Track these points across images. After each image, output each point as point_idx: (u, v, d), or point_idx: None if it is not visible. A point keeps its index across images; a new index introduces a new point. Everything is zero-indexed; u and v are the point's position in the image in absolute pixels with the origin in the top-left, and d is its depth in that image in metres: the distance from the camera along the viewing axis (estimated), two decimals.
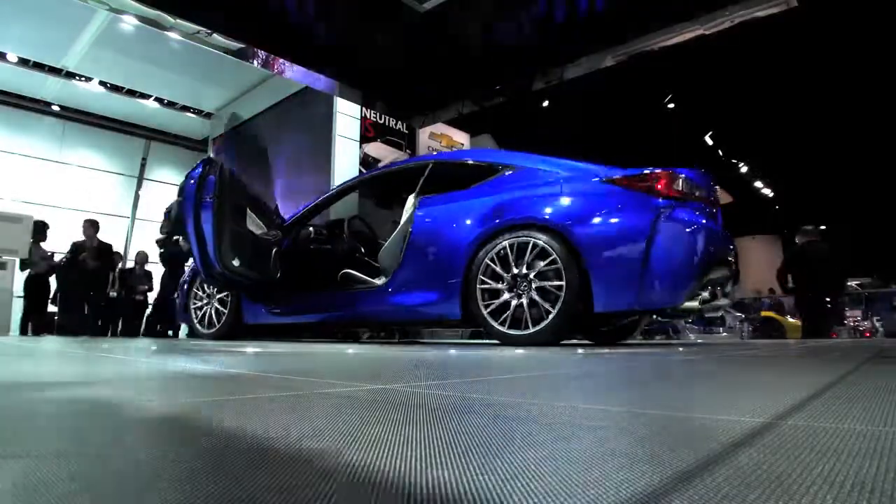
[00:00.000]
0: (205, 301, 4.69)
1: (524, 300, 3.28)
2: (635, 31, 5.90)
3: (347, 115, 8.54)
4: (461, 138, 10.60)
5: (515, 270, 3.32)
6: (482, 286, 3.40)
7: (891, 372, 1.70)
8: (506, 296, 3.33)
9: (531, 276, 3.27)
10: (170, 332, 8.27)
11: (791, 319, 13.18)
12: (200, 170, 3.73)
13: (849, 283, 11.22)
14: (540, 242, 3.28)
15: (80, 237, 7.71)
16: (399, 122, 9.22)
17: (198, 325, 4.72)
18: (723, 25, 5.51)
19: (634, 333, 4.44)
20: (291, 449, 0.57)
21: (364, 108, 8.60)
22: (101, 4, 5.59)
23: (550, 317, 3.18)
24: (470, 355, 2.46)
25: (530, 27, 6.81)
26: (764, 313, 12.99)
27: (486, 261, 3.40)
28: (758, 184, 17.78)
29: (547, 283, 3.22)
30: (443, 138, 10.14)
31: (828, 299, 6.77)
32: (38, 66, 9.12)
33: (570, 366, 1.87)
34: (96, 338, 6.28)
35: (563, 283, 3.16)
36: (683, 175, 3.33)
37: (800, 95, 11.57)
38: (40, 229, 7.20)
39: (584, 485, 0.45)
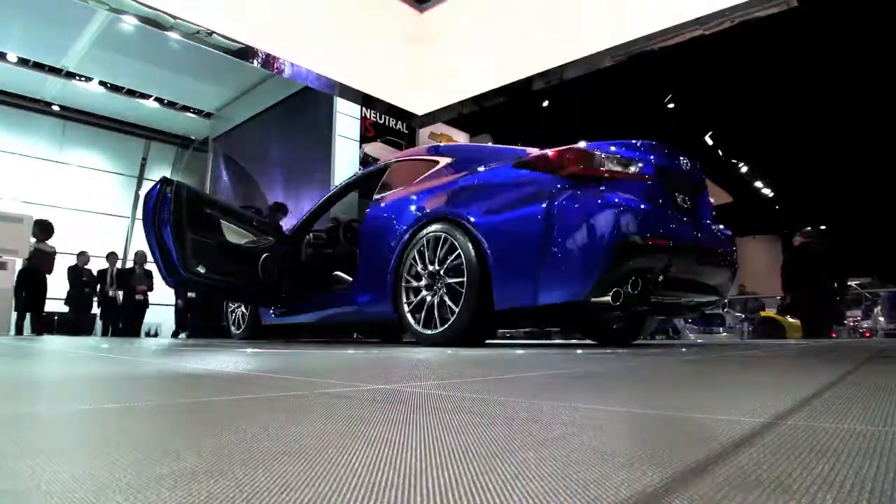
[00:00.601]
0: (236, 305, 5.21)
1: (436, 298, 3.20)
2: (635, 31, 5.90)
3: (347, 115, 8.55)
4: (461, 138, 10.60)
5: (431, 268, 3.24)
6: (406, 284, 3.38)
7: (891, 372, 1.70)
8: (423, 293, 3.28)
9: (442, 272, 3.19)
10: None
11: (791, 319, 13.18)
12: (158, 188, 3.94)
13: (849, 283, 11.22)
14: (450, 238, 3.15)
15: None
16: (399, 122, 9.22)
17: (232, 327, 5.26)
18: (723, 25, 5.51)
19: (642, 334, 4.20)
20: (291, 448, 0.57)
21: (364, 108, 8.60)
22: (101, 4, 5.59)
23: (454, 316, 3.05)
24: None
25: (530, 27, 6.81)
26: (764, 313, 12.99)
27: (410, 259, 3.38)
28: (758, 184, 17.78)
29: (453, 280, 3.11)
30: (442, 138, 10.14)
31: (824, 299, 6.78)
32: (38, 66, 9.13)
33: (568, 366, 1.87)
34: (102, 338, 6.27)
35: (465, 279, 3.01)
36: (598, 150, 2.91)
37: (800, 95, 11.57)
38: (45, 228, 7.16)
39: (585, 485, 0.45)
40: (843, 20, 8.84)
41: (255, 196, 9.70)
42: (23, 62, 8.96)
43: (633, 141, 3.12)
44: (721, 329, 12.64)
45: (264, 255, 4.32)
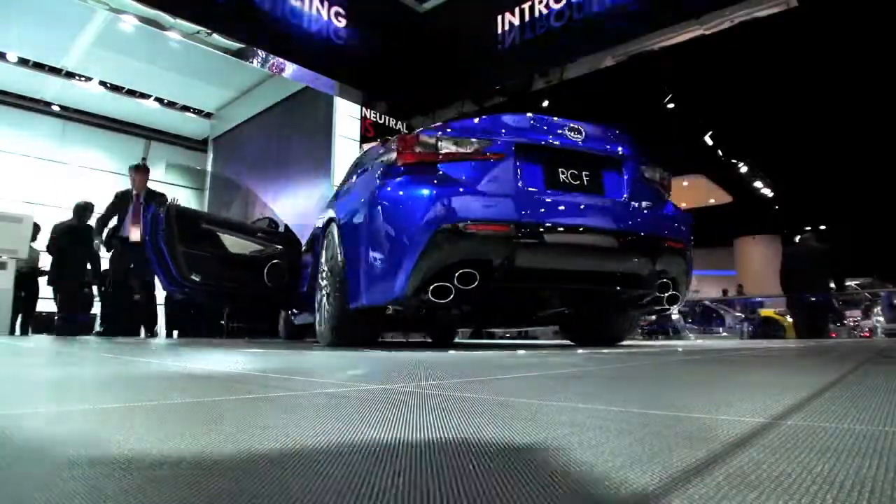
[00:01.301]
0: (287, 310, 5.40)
1: (324, 299, 3.20)
2: (635, 31, 5.90)
3: (347, 115, 8.54)
4: None
5: (324, 269, 3.26)
6: (318, 284, 3.42)
7: (890, 372, 1.70)
8: (320, 294, 3.29)
9: (324, 273, 3.19)
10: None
11: (791, 319, 13.18)
12: (153, 209, 4.28)
13: (849, 283, 11.23)
14: (329, 237, 3.15)
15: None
16: (399, 122, 9.21)
17: (280, 328, 5.71)
18: (723, 25, 5.51)
19: (629, 334, 3.81)
20: (291, 448, 0.57)
21: (364, 108, 8.60)
22: (101, 4, 5.59)
23: (328, 317, 3.02)
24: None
25: (530, 27, 6.81)
26: (763, 313, 12.99)
27: (321, 261, 3.40)
28: (758, 184, 17.76)
29: (328, 281, 3.11)
30: None
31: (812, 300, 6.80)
32: (38, 66, 9.12)
33: (566, 366, 1.87)
34: (102, 338, 6.27)
35: (337, 279, 2.97)
36: (433, 133, 2.69)
37: (800, 95, 11.57)
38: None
39: (585, 485, 0.45)
40: (843, 20, 8.84)
41: (253, 196, 9.70)
42: (23, 62, 8.96)
43: (489, 116, 2.87)
44: (721, 329, 12.64)
45: (270, 262, 4.53)
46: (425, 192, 2.52)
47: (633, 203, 2.88)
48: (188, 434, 0.65)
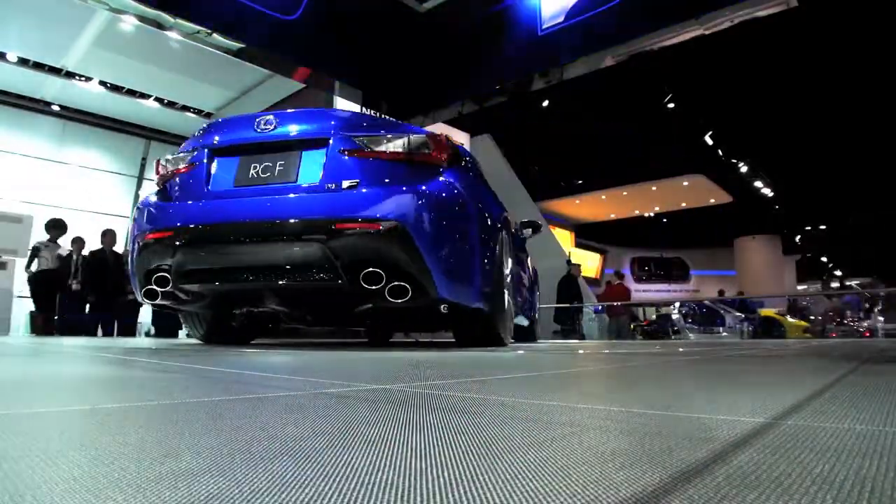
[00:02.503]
0: None
1: None
2: (635, 31, 5.90)
3: None
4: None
5: None
6: None
7: (890, 372, 1.70)
8: None
9: None
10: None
11: (791, 319, 13.20)
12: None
13: (849, 283, 11.23)
14: None
15: (80, 236, 7.64)
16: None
17: None
18: (723, 25, 5.51)
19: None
20: (291, 448, 0.57)
21: (364, 108, 8.61)
22: (101, 4, 5.59)
23: None
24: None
25: (530, 27, 6.81)
26: (763, 313, 12.99)
27: None
28: (758, 183, 17.77)
29: None
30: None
31: None
32: (38, 66, 9.12)
33: (565, 366, 1.87)
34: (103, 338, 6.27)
35: None
36: (162, 160, 3.08)
37: (800, 95, 11.58)
38: (59, 226, 7.00)
39: (585, 484, 0.45)
40: (843, 20, 8.85)
41: None
42: (23, 62, 8.96)
43: (205, 127, 3.10)
44: (721, 329, 12.65)
45: None
46: (139, 208, 3.02)
47: (327, 185, 2.66)
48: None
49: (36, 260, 6.61)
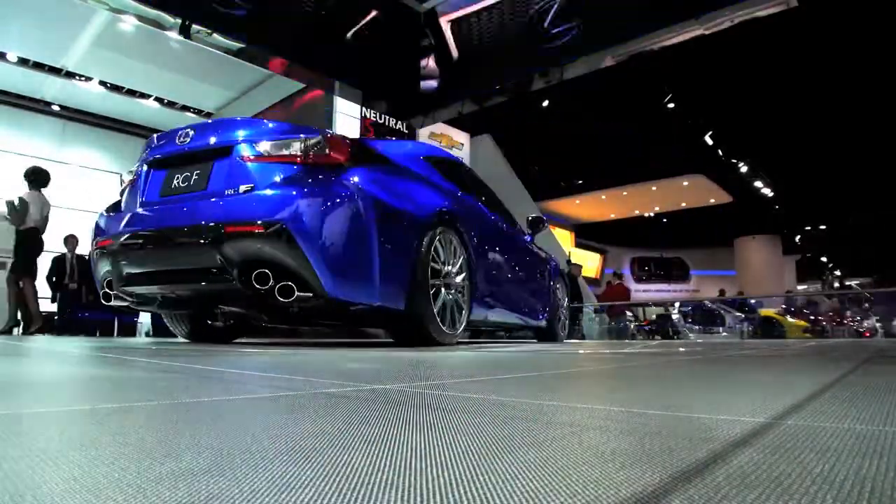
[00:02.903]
0: None
1: None
2: (635, 31, 5.89)
3: (347, 115, 8.54)
4: (461, 138, 10.60)
5: None
6: None
7: (890, 372, 1.70)
8: None
9: None
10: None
11: (791, 319, 13.19)
12: None
13: (849, 283, 11.25)
14: None
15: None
16: (399, 122, 9.21)
17: None
18: (723, 25, 5.51)
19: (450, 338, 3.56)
20: (291, 448, 0.57)
21: (364, 108, 8.60)
22: (101, 4, 5.59)
23: None
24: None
25: (530, 26, 6.80)
26: (763, 313, 12.98)
27: None
28: (758, 183, 17.76)
29: None
30: (443, 138, 10.14)
31: None
32: (38, 66, 9.11)
33: (562, 366, 1.87)
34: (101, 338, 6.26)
35: None
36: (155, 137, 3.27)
37: (800, 95, 11.58)
38: (39, 173, 6.76)
39: (585, 484, 0.45)
40: (843, 20, 8.85)
41: None
42: (22, 62, 8.95)
43: (156, 137, 3.26)
44: (721, 329, 12.65)
45: None
46: (97, 218, 3.28)
47: (226, 192, 2.77)
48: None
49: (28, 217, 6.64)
